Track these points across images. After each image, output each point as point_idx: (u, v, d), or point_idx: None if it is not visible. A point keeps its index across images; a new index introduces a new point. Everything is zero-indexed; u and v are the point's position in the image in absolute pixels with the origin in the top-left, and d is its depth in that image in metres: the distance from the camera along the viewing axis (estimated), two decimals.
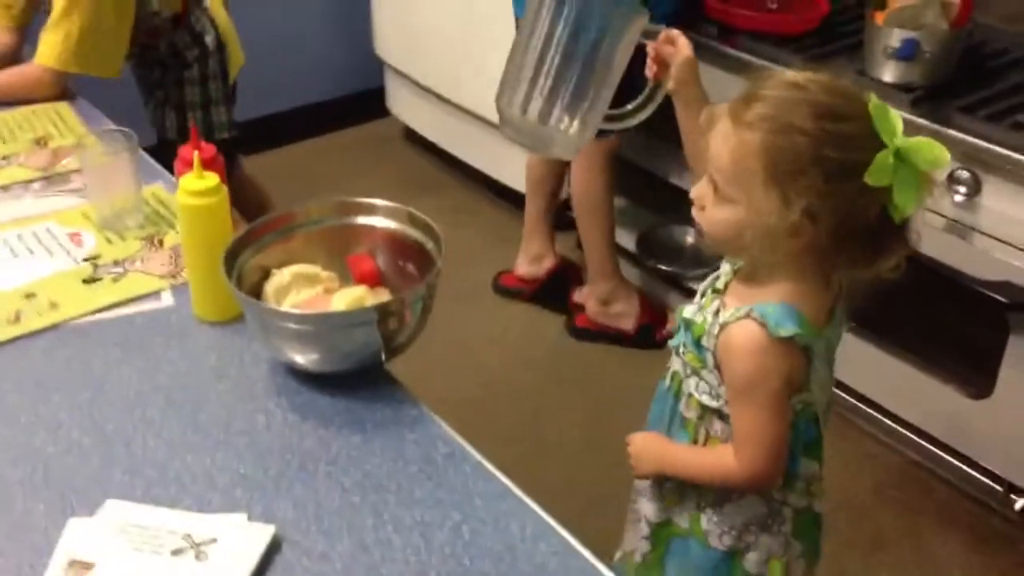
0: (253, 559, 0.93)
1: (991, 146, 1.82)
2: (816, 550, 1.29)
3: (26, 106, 1.82)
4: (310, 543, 0.97)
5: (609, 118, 1.31)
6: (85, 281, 1.35)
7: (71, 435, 1.09)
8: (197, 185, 1.20)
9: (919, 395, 2.07)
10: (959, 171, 1.88)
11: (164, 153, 1.62)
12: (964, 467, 2.04)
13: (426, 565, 0.95)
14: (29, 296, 1.31)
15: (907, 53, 1.91)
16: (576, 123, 1.28)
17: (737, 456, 1.15)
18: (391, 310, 1.14)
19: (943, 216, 1.93)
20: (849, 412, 2.24)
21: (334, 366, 1.17)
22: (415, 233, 1.24)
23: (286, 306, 1.20)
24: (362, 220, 1.26)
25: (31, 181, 1.60)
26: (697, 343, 1.16)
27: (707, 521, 1.24)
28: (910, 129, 1.86)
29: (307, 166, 3.43)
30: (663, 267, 2.68)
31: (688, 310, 1.21)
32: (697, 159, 1.21)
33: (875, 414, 2.18)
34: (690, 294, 2.65)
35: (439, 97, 3.17)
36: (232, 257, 1.19)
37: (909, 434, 2.12)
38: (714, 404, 1.17)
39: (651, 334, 2.53)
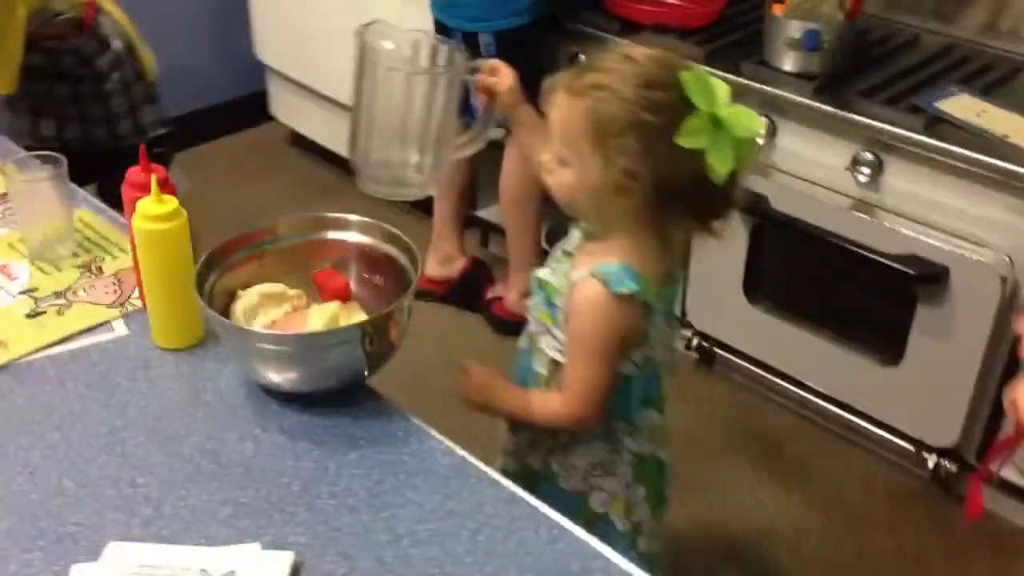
0: None
1: (892, 128, 1.93)
2: (661, 496, 1.41)
3: None
4: (329, 566, 0.96)
5: (454, 148, 1.41)
6: (28, 316, 1.28)
7: (51, 479, 1.04)
8: (156, 209, 1.16)
9: (833, 367, 2.17)
10: (862, 153, 1.99)
11: (85, 171, 1.55)
12: (880, 432, 2.15)
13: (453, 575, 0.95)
14: None
15: (812, 44, 2.00)
16: (428, 162, 1.37)
17: (563, 398, 1.25)
18: (377, 326, 1.13)
19: (849, 196, 2.03)
20: (766, 389, 2.34)
21: (318, 385, 1.15)
22: (384, 246, 1.23)
23: (257, 326, 1.18)
24: (330, 235, 1.25)
25: None
26: (549, 302, 1.26)
27: (556, 465, 1.34)
28: (814, 116, 1.95)
29: (191, 178, 3.31)
30: None
31: (542, 272, 1.30)
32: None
33: (792, 388, 2.28)
34: None
35: (328, 99, 3.12)
36: (201, 280, 1.15)
37: (827, 404, 2.23)
38: (563, 359, 1.25)
39: None
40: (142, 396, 1.17)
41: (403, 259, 1.21)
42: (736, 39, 2.29)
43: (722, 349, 2.42)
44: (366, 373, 1.16)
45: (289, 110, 3.42)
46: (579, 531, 1.01)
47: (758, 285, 2.25)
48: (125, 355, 1.23)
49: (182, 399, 1.17)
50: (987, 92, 2.05)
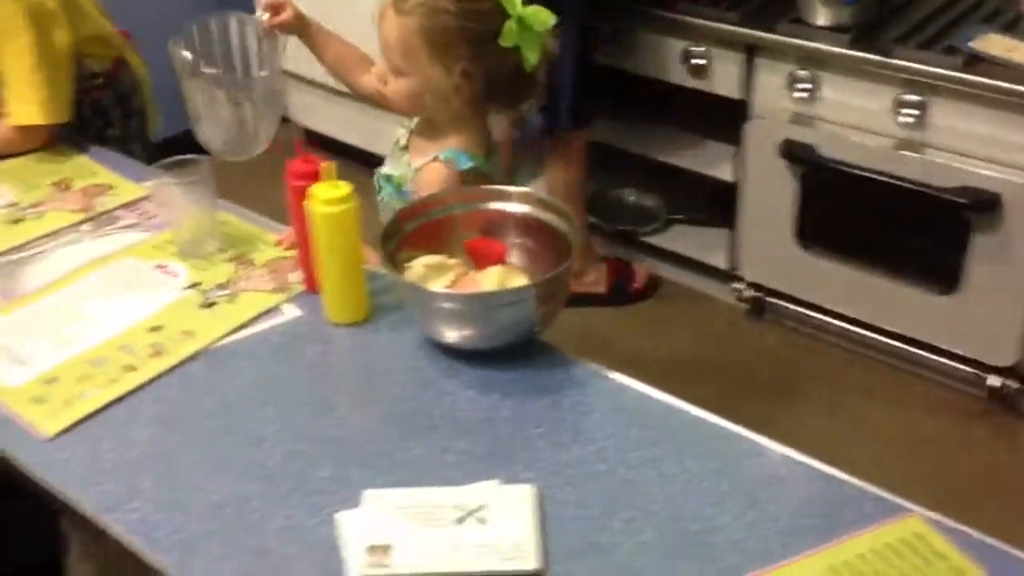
0: (531, 513, 1.01)
1: (933, 69, 2.05)
2: None
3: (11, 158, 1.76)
4: (563, 495, 1.05)
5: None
6: (202, 307, 1.36)
7: (285, 444, 1.13)
8: (331, 194, 1.25)
9: (890, 302, 2.30)
10: (905, 96, 2.11)
11: None
12: (939, 358, 2.29)
13: (672, 492, 1.05)
14: (156, 329, 1.32)
15: None
16: (263, 118, 1.62)
17: None
18: (548, 285, 1.22)
19: (896, 138, 2.16)
20: (820, 330, 2.47)
21: (495, 341, 1.25)
22: (540, 214, 1.33)
23: None
24: (491, 205, 1.35)
25: (79, 224, 1.58)
26: (400, 190, 1.49)
27: None
28: (854, 65, 2.07)
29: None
30: (618, 227, 2.83)
31: (384, 169, 1.56)
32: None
33: (847, 326, 2.40)
34: (643, 247, 2.80)
35: (340, 94, 3.17)
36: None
37: (883, 338, 2.36)
38: None
39: (624, 289, 2.68)
40: (334, 367, 1.27)
41: (558, 223, 1.31)
42: (764, 1, 2.40)
43: (773, 297, 2.54)
44: (537, 329, 1.26)
45: (303, 109, 3.49)
46: (774, 444, 1.12)
47: (810, 231, 2.37)
48: (304, 334, 1.32)
49: (371, 366, 1.27)
50: (1009, 30, 2.18)
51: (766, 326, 2.59)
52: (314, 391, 1.22)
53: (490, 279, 1.28)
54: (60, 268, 1.45)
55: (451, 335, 1.24)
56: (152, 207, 1.61)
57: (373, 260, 1.34)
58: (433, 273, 1.31)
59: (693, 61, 2.39)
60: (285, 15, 1.56)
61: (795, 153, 2.27)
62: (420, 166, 1.47)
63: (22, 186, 1.67)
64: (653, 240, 2.77)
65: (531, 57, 1.39)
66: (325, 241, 1.28)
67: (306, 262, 1.36)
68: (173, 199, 1.47)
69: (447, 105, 1.42)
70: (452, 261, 1.33)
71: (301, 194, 1.28)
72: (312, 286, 1.38)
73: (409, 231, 1.32)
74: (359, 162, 3.27)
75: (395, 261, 1.28)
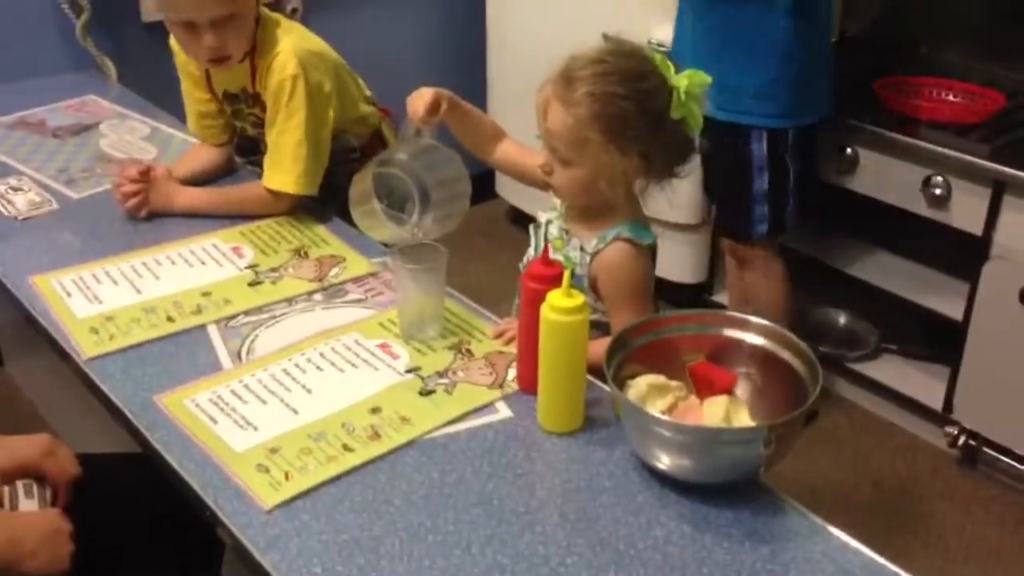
0: None
1: None
2: None
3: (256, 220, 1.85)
4: None
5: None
6: (421, 394, 1.37)
7: (489, 554, 1.11)
8: (565, 303, 1.24)
9: None
10: None
11: None
12: None
13: None
14: (375, 411, 1.34)
15: None
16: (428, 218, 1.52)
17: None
18: (781, 429, 1.16)
19: None
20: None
21: (713, 477, 1.20)
22: (773, 347, 1.27)
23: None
24: (726, 332, 1.30)
25: (311, 293, 1.63)
26: (572, 274, 1.33)
27: None
28: None
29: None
30: (822, 348, 2.71)
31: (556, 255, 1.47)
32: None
33: None
34: (847, 374, 2.66)
35: None
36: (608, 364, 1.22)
37: None
38: (592, 317, 1.30)
39: (817, 416, 2.56)
40: (543, 478, 1.24)
41: (797, 365, 1.25)
42: (1020, 136, 2.27)
43: (991, 448, 2.36)
44: (761, 471, 1.20)
45: (512, 188, 3.55)
46: None
47: None
48: (515, 437, 1.30)
49: (580, 482, 1.23)
50: None
51: (979, 479, 2.40)
52: (521, 500, 1.19)
53: (714, 410, 1.23)
54: (291, 335, 1.50)
55: (668, 463, 1.20)
56: (379, 284, 1.65)
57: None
58: (654, 393, 1.27)
59: (933, 191, 2.28)
60: (444, 108, 1.49)
61: None
62: (599, 248, 1.44)
63: (263, 249, 1.76)
64: (858, 367, 2.64)
65: (695, 124, 1.38)
66: (552, 349, 1.27)
67: (526, 362, 1.35)
68: (404, 282, 1.50)
69: (618, 187, 1.39)
70: (673, 383, 1.29)
71: (536, 296, 1.28)
72: (527, 385, 1.37)
73: (636, 347, 1.29)
74: None
75: (618, 377, 1.25)
